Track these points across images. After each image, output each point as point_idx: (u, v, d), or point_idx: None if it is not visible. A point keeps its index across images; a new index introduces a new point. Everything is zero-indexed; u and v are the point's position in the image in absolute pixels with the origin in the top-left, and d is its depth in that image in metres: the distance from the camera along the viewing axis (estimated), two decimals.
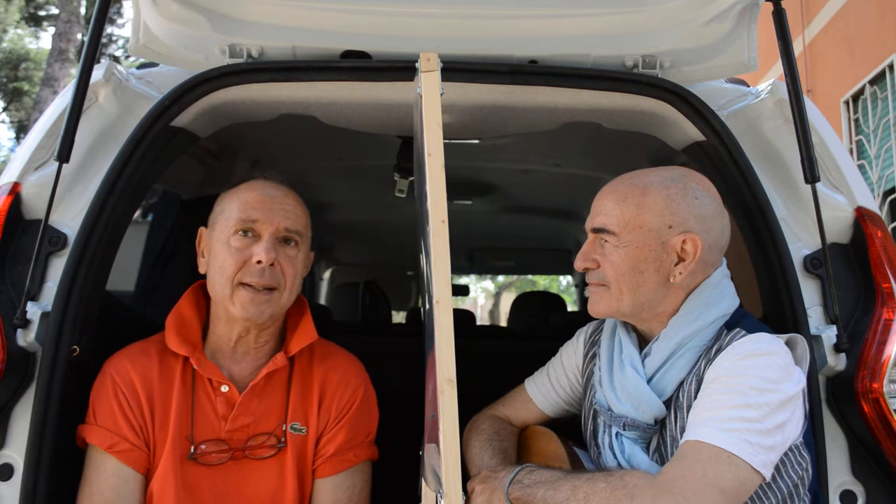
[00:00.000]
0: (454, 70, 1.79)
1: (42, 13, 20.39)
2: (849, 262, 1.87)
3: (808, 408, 1.57)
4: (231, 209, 1.75)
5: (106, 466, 1.68)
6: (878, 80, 7.54)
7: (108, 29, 19.13)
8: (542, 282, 19.67)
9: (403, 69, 1.79)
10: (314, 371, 1.83)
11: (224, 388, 1.74)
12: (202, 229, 1.83)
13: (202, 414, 1.74)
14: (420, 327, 1.63)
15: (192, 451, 1.71)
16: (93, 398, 1.74)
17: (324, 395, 1.81)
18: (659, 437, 1.59)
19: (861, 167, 7.68)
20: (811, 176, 1.76)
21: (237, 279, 1.70)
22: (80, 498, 1.68)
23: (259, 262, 1.69)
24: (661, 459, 1.56)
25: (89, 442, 1.70)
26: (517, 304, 4.57)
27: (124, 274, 2.71)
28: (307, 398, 1.80)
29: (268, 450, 1.75)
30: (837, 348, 1.74)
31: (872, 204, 1.91)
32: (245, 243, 1.72)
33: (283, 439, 1.76)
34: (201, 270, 1.81)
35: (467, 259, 5.49)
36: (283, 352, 1.79)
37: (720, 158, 1.91)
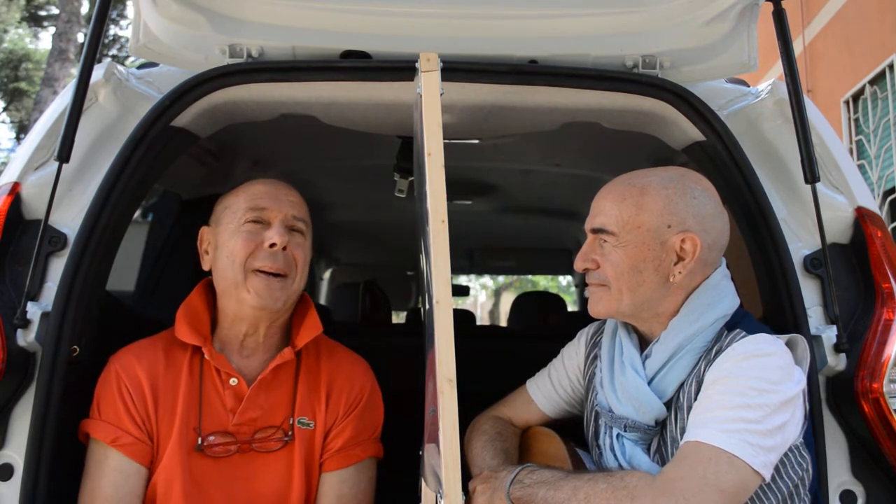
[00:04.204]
0: (454, 70, 1.79)
1: (42, 13, 20.39)
2: (849, 262, 1.87)
3: (808, 408, 1.57)
4: (238, 202, 1.78)
5: (108, 461, 1.69)
6: (878, 80, 7.54)
7: (111, 30, 19.11)
8: (542, 282, 19.65)
9: (403, 69, 1.79)
10: (321, 367, 1.85)
11: (233, 381, 1.75)
12: (204, 228, 1.84)
13: (210, 406, 1.75)
14: (420, 327, 1.63)
15: (199, 442, 1.72)
16: (97, 393, 1.75)
17: (331, 390, 1.83)
18: (659, 438, 1.59)
19: (861, 167, 7.68)
20: (811, 176, 1.76)
21: (249, 265, 1.72)
22: (81, 493, 1.69)
23: (272, 245, 1.72)
24: (662, 460, 1.56)
25: (93, 436, 1.71)
26: (517, 304, 4.56)
27: (124, 274, 2.71)
28: (314, 393, 1.82)
29: (275, 443, 1.76)
30: (837, 348, 1.74)
31: (872, 204, 1.91)
32: (256, 230, 1.75)
33: (290, 433, 1.77)
34: (206, 267, 1.82)
35: (467, 259, 5.49)
36: (290, 346, 1.80)
37: (720, 158, 1.91)
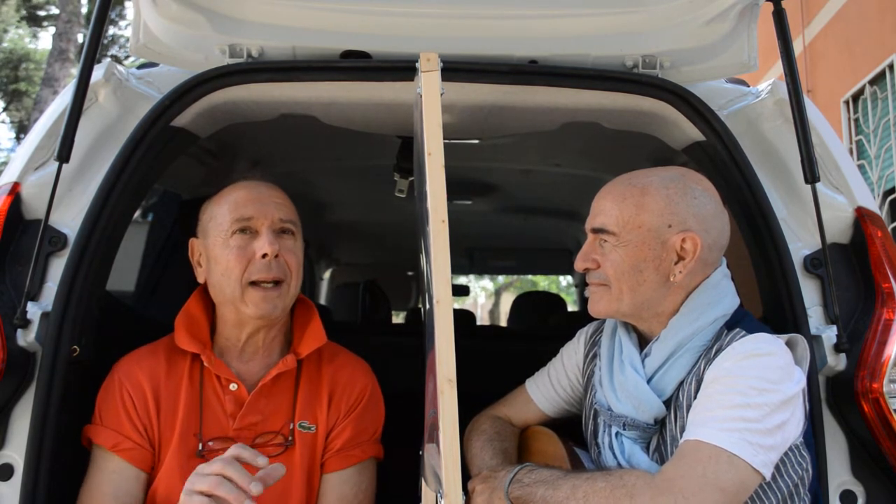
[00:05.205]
0: (454, 70, 1.79)
1: (42, 13, 20.39)
2: (849, 262, 1.87)
3: (808, 408, 1.57)
4: (222, 213, 1.75)
5: (109, 465, 1.69)
6: (878, 80, 7.54)
7: (110, 30, 19.11)
8: (542, 282, 19.64)
9: (403, 69, 1.79)
10: (323, 371, 1.84)
11: (233, 387, 1.75)
12: (193, 240, 1.83)
13: (210, 412, 1.75)
14: (420, 327, 1.63)
15: (200, 448, 1.72)
16: (99, 400, 1.75)
17: (333, 393, 1.82)
18: (659, 436, 1.59)
19: (861, 167, 7.68)
20: (811, 176, 1.76)
21: (245, 279, 1.71)
22: (81, 497, 1.69)
23: (264, 255, 1.70)
24: (661, 459, 1.56)
25: (95, 442, 1.71)
26: (517, 304, 4.57)
27: (124, 274, 2.71)
28: (316, 397, 1.81)
29: (275, 448, 1.75)
30: (837, 348, 1.74)
31: (872, 204, 1.91)
32: (245, 241, 1.73)
33: (290, 438, 1.76)
34: (200, 280, 1.81)
35: (467, 259, 5.49)
36: (292, 353, 1.80)
37: (720, 158, 1.91)
